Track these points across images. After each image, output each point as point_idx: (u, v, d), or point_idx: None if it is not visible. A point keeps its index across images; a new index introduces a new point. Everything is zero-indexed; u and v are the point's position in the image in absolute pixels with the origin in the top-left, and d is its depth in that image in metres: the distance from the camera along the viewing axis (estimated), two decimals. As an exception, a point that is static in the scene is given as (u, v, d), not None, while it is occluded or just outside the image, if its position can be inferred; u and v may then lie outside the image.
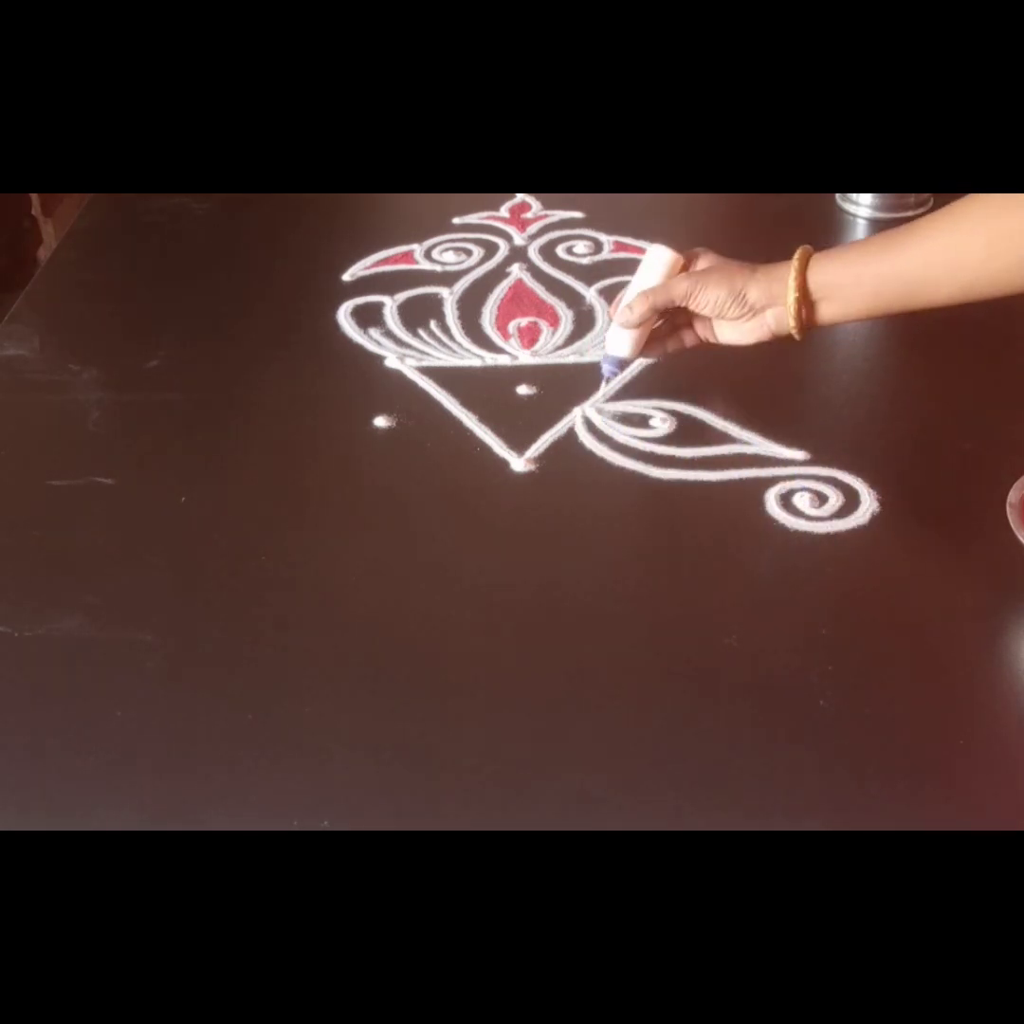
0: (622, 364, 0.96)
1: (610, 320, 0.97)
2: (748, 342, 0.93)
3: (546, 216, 1.27)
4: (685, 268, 0.94)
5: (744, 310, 0.90)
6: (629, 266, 1.17)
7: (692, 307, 0.92)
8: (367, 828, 0.67)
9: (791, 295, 0.87)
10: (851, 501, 0.89)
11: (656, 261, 0.94)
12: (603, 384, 0.98)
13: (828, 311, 0.88)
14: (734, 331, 0.93)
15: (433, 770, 0.71)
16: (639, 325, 0.93)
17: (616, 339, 0.95)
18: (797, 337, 0.90)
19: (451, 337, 1.08)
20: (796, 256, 0.88)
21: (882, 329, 1.08)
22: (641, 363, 1.01)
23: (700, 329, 0.95)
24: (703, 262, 0.94)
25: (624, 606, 0.82)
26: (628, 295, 0.94)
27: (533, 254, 1.21)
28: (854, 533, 0.86)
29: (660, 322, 0.95)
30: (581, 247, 1.22)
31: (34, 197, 2.21)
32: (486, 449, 0.95)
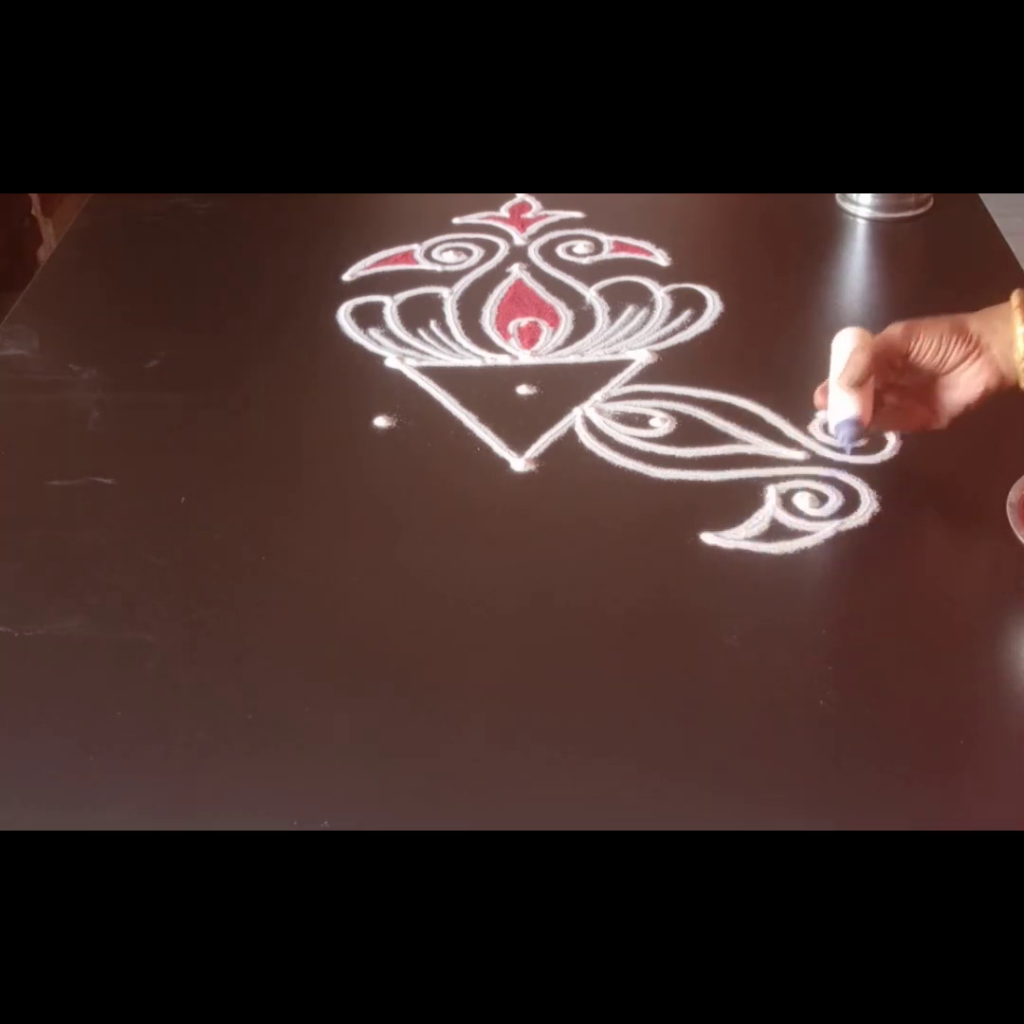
0: (857, 425, 0.87)
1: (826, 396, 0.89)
2: (976, 394, 0.86)
3: (546, 216, 1.27)
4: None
5: (969, 346, 0.84)
6: (629, 266, 1.18)
7: (914, 355, 0.86)
8: (367, 828, 0.67)
9: (1017, 309, 0.83)
10: (851, 501, 0.89)
11: (848, 341, 0.88)
12: (847, 451, 0.91)
13: None
14: (960, 385, 0.86)
15: (433, 770, 0.71)
16: (863, 380, 0.86)
17: (842, 403, 0.87)
18: None
19: (451, 337, 1.08)
20: (1015, 294, 0.84)
21: (880, 329, 1.08)
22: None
23: (921, 406, 0.89)
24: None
25: (624, 606, 0.82)
26: (831, 378, 0.88)
27: (533, 254, 1.21)
28: (854, 533, 0.86)
29: (886, 399, 0.89)
30: (581, 247, 1.22)
31: (34, 197, 2.21)
32: (486, 449, 0.95)
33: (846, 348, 0.87)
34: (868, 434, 0.90)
